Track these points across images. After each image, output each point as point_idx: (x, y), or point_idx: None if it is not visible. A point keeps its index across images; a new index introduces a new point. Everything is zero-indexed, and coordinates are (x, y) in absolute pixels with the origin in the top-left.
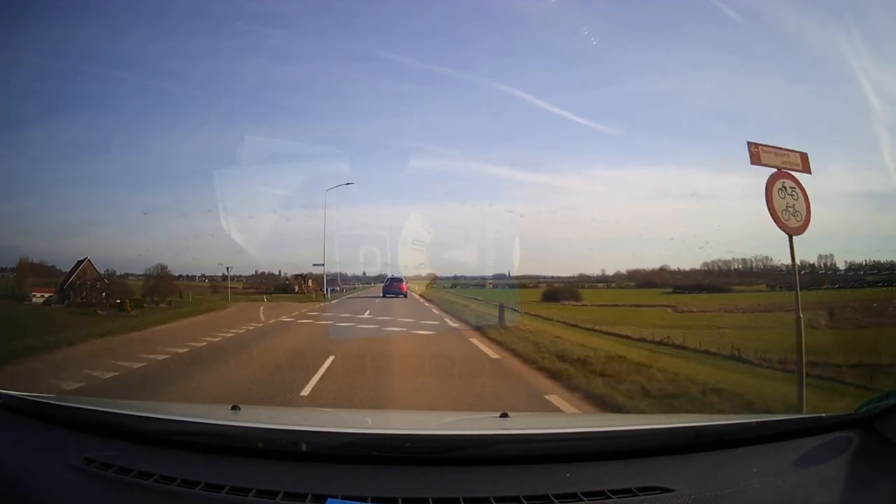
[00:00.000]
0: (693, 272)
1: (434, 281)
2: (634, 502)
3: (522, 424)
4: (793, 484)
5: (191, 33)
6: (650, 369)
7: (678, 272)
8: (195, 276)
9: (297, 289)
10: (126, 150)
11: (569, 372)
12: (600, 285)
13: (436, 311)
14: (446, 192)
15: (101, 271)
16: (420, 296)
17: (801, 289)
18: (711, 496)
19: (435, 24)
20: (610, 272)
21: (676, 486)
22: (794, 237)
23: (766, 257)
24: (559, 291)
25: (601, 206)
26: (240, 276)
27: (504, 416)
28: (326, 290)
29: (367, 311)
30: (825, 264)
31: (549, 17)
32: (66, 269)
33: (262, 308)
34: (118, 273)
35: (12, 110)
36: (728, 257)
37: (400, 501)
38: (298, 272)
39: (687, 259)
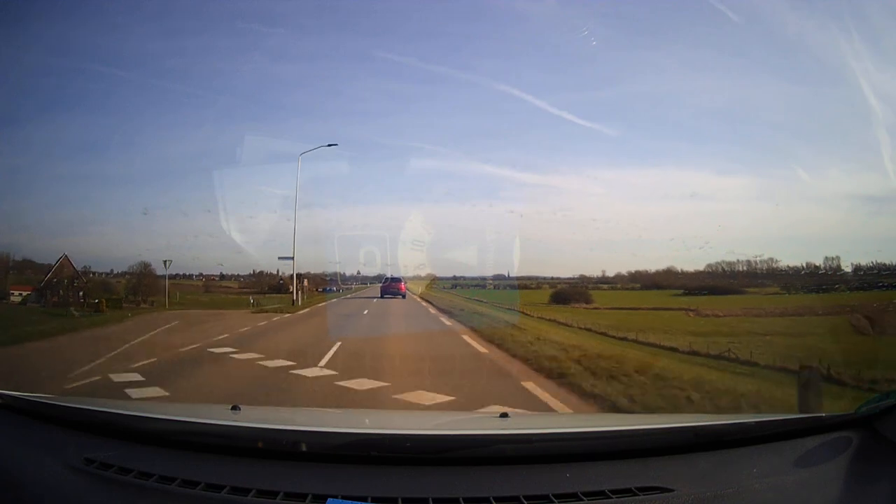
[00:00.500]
0: (699, 273)
1: (434, 281)
2: (634, 502)
3: (522, 424)
4: (793, 484)
5: (190, 32)
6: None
7: (684, 273)
8: (192, 275)
9: (291, 289)
10: (125, 148)
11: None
12: (605, 286)
13: (446, 321)
14: (446, 192)
15: (106, 270)
16: (421, 298)
17: (813, 291)
18: (711, 496)
19: (435, 24)
20: (610, 273)
21: (676, 486)
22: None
23: (772, 259)
24: (568, 293)
25: (601, 207)
26: (237, 275)
27: (504, 416)
28: (298, 295)
29: (336, 344)
30: (831, 266)
31: (549, 17)
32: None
33: (168, 327)
34: (113, 271)
35: (11, 108)
36: (732, 258)
37: (400, 501)
38: (291, 273)
39: (687, 260)
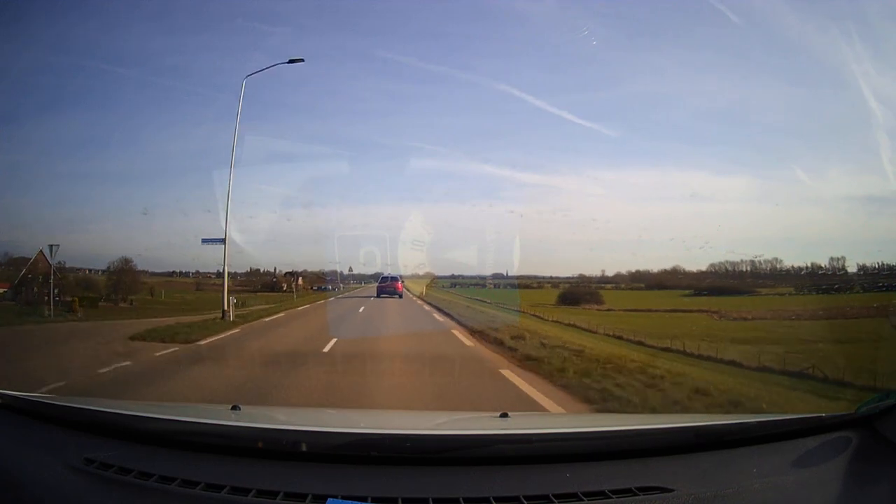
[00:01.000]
0: (704, 273)
1: (433, 280)
2: (634, 502)
3: (522, 424)
4: (793, 484)
5: (191, 30)
6: None
7: (690, 273)
8: (189, 273)
9: (285, 287)
10: (125, 146)
11: None
12: (609, 286)
13: (462, 338)
14: (446, 191)
15: (94, 267)
16: (421, 299)
17: (826, 292)
18: (711, 496)
19: (435, 24)
20: (610, 273)
21: (676, 486)
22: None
23: (776, 258)
24: (577, 294)
25: (601, 207)
26: (235, 273)
27: (504, 415)
28: (229, 306)
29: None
30: (836, 267)
31: (549, 17)
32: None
33: None
34: (99, 270)
35: (12, 105)
36: (735, 258)
37: (400, 501)
38: (289, 270)
39: (686, 260)
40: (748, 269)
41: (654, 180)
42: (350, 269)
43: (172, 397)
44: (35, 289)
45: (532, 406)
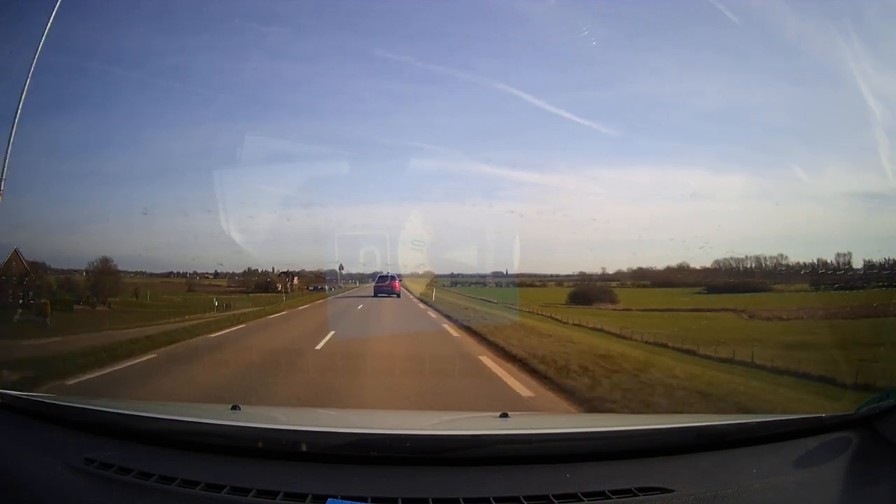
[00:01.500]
0: (712, 270)
1: (433, 279)
2: (634, 502)
3: (522, 424)
4: (793, 484)
5: (190, 30)
6: None
7: (698, 270)
8: (186, 273)
9: (279, 287)
10: (124, 147)
11: None
12: (614, 284)
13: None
14: (445, 191)
15: (70, 268)
16: (423, 303)
17: (842, 289)
18: (711, 496)
19: (435, 24)
20: (611, 270)
21: (676, 486)
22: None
23: (781, 255)
24: (590, 292)
25: (600, 206)
26: (232, 273)
27: (504, 416)
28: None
29: None
30: (840, 263)
31: (549, 17)
32: (56, 265)
33: None
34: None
35: (11, 106)
36: (740, 255)
37: (400, 501)
38: (285, 270)
39: (686, 258)
40: (753, 265)
41: (654, 179)
42: (342, 268)
43: None
44: (10, 291)
45: None
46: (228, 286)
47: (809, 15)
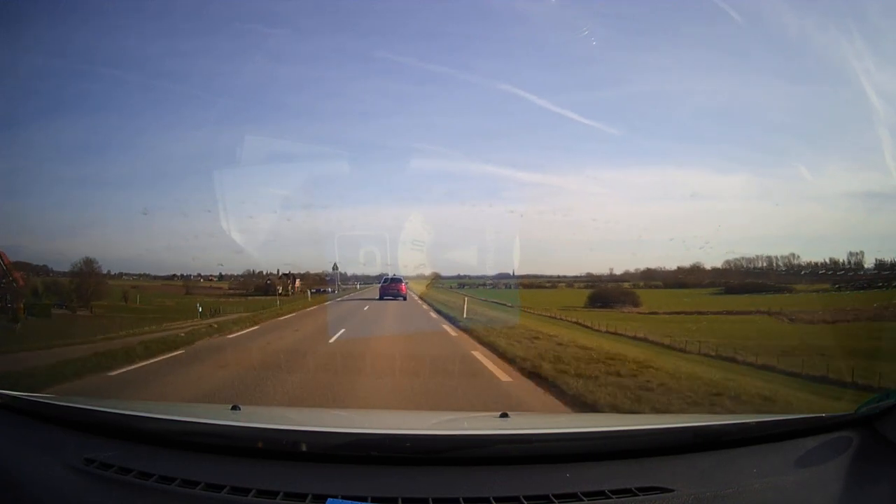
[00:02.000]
0: (724, 271)
1: (436, 280)
2: (634, 502)
3: (522, 424)
4: (793, 484)
5: (190, 33)
6: None
7: (708, 271)
8: (190, 275)
9: (280, 290)
10: (125, 150)
11: None
12: (626, 285)
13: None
14: (447, 192)
15: (105, 271)
16: (425, 302)
17: (863, 288)
18: (711, 496)
19: (435, 24)
20: (618, 271)
21: (676, 486)
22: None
23: (793, 254)
24: (610, 294)
25: (602, 206)
26: (234, 275)
27: (504, 415)
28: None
29: None
30: (853, 262)
31: (549, 17)
32: (59, 269)
33: None
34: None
35: (11, 110)
36: (751, 255)
37: (400, 501)
38: (285, 272)
39: (687, 258)
40: (764, 265)
41: (655, 179)
42: (336, 267)
43: None
44: None
45: None
46: (229, 289)
47: (810, 13)
